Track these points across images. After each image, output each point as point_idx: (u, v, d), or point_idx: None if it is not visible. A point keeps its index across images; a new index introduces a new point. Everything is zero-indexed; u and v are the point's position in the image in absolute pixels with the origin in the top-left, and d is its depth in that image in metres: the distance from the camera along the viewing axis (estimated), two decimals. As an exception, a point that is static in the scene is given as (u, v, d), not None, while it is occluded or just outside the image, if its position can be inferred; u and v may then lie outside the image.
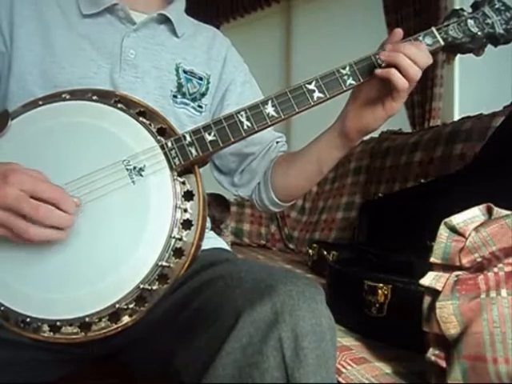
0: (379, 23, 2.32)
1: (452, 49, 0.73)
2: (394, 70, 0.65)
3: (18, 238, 0.57)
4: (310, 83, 0.68)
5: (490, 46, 0.74)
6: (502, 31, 0.71)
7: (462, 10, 0.73)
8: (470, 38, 0.71)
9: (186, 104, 0.82)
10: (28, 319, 0.59)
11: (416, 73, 0.66)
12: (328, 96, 0.69)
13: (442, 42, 0.70)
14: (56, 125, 0.66)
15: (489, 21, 0.71)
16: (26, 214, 0.55)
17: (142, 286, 0.59)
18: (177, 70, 0.82)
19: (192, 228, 0.63)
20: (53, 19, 0.77)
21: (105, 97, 0.67)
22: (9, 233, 0.56)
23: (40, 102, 0.67)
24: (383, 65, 0.68)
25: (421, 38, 0.70)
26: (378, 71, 0.67)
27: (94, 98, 0.67)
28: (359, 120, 0.73)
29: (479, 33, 0.71)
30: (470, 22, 0.71)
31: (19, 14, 0.76)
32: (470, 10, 0.74)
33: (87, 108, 0.66)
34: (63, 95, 0.67)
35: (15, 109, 0.67)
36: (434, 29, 0.71)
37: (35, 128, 0.65)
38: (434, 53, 0.70)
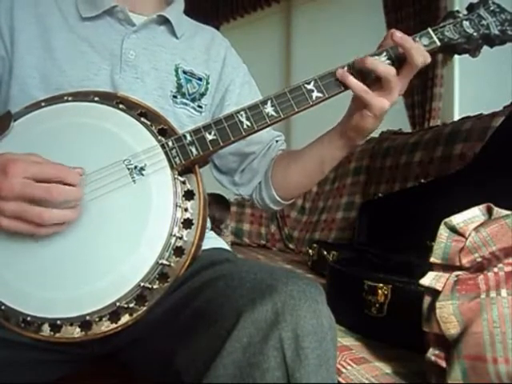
0: (379, 23, 2.32)
1: (448, 49, 0.73)
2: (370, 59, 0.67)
3: (32, 227, 0.56)
4: (308, 83, 0.69)
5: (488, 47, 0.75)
6: (497, 32, 0.72)
7: (457, 11, 0.74)
8: (465, 39, 0.72)
9: (186, 104, 0.82)
10: (29, 318, 0.59)
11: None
12: (327, 96, 0.69)
13: (438, 43, 0.71)
14: (58, 125, 0.66)
15: (484, 22, 0.72)
16: (39, 197, 0.55)
17: (142, 285, 0.59)
18: (176, 71, 0.82)
19: (192, 227, 0.63)
20: (53, 23, 0.78)
21: (106, 98, 0.68)
22: (21, 224, 0.56)
23: (42, 104, 0.67)
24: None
25: (417, 39, 0.71)
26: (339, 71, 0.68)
27: (96, 99, 0.67)
28: (355, 120, 0.73)
29: (475, 34, 0.72)
30: (466, 23, 0.72)
31: (19, 18, 0.76)
32: (465, 12, 0.74)
33: (89, 109, 0.67)
34: (65, 97, 0.68)
35: (18, 110, 0.68)
36: (430, 29, 0.72)
37: (37, 129, 0.65)
38: (430, 53, 0.70)
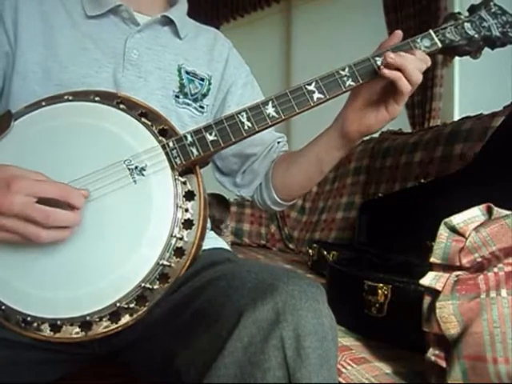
0: (379, 23, 2.32)
1: (449, 51, 0.74)
2: (400, 74, 0.66)
3: (27, 241, 0.57)
4: (309, 84, 0.69)
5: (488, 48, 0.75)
6: (498, 34, 0.72)
7: (459, 13, 0.75)
8: (466, 41, 0.72)
9: (188, 104, 0.83)
10: (29, 318, 0.59)
11: (419, 77, 0.67)
12: (328, 97, 0.69)
13: (440, 45, 0.71)
14: (58, 125, 0.66)
15: (485, 24, 0.72)
16: (37, 221, 0.55)
17: (143, 285, 0.59)
18: (179, 71, 0.83)
19: (193, 228, 0.63)
20: (57, 19, 0.78)
21: (107, 98, 0.68)
22: (16, 237, 0.56)
23: (43, 103, 0.67)
24: (382, 67, 0.68)
25: (419, 40, 0.71)
26: (385, 71, 0.66)
27: (97, 99, 0.67)
28: (361, 122, 0.73)
29: (476, 35, 0.72)
30: (467, 25, 0.73)
31: (23, 13, 0.76)
32: (467, 14, 0.75)
33: (89, 109, 0.67)
34: (66, 97, 0.68)
35: (18, 110, 0.67)
36: (431, 31, 0.72)
37: (37, 128, 0.65)
38: (431, 54, 0.71)
